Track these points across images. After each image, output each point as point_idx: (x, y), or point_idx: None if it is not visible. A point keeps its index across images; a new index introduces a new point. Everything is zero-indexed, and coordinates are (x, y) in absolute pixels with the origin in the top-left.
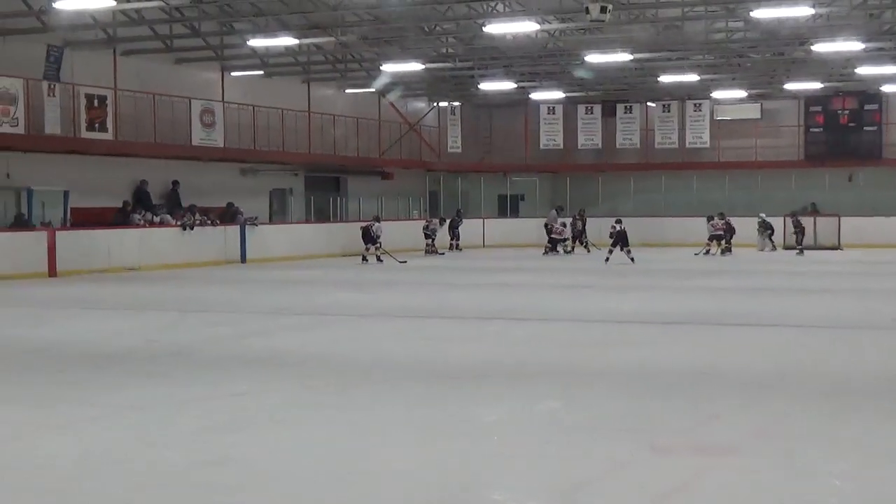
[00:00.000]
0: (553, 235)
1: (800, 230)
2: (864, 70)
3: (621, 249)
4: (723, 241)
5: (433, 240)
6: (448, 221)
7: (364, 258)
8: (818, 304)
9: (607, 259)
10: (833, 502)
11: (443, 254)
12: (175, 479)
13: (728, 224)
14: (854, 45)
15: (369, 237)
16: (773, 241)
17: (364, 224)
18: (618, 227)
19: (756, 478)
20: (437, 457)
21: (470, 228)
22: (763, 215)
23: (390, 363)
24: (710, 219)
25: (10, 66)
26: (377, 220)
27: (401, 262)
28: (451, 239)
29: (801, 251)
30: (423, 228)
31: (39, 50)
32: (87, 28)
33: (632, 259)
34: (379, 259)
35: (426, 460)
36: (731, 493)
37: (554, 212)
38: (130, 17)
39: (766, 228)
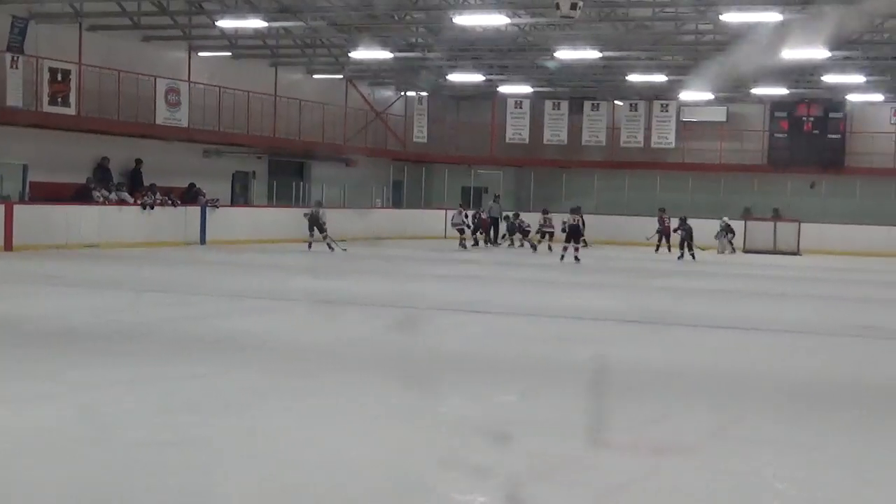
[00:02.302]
0: (545, 229)
1: (686, 233)
2: (829, 78)
3: (575, 243)
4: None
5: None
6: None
7: (310, 245)
8: (775, 308)
9: (562, 257)
10: None
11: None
12: (126, 459)
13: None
14: (821, 53)
15: (318, 224)
16: (732, 244)
17: (307, 210)
18: (571, 221)
19: (703, 478)
20: (391, 447)
21: (432, 220)
22: (726, 218)
23: (349, 351)
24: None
25: None
26: (320, 205)
27: (342, 249)
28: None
29: (682, 256)
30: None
31: (3, 21)
32: (53, 1)
33: (576, 258)
34: (330, 247)
35: (381, 450)
36: (678, 492)
37: (494, 203)
38: None
39: (727, 232)
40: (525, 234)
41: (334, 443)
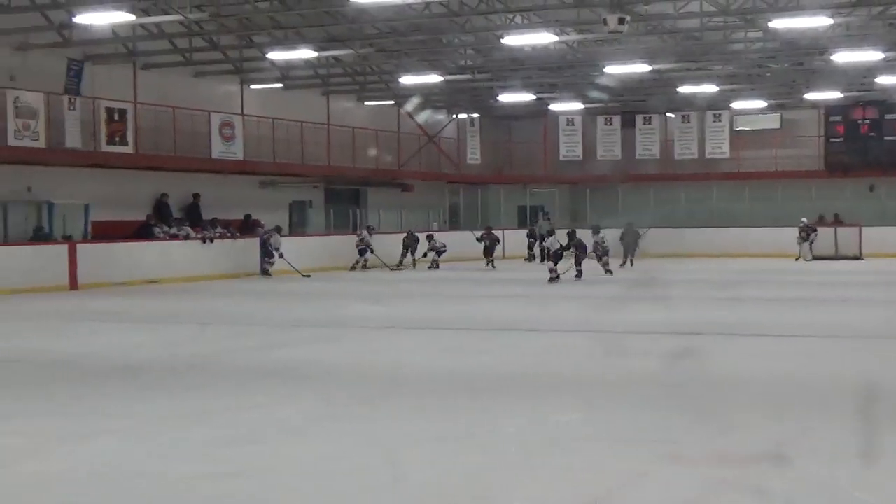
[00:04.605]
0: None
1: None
2: (884, 79)
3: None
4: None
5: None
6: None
7: (266, 272)
8: (839, 313)
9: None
10: None
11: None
12: (187, 492)
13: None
14: (874, 55)
15: (266, 250)
16: (811, 248)
17: (263, 235)
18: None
19: (773, 491)
20: (455, 469)
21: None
22: (804, 220)
23: (408, 375)
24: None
25: (30, 80)
26: (278, 230)
27: (305, 276)
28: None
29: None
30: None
31: (60, 64)
32: (108, 42)
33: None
34: (267, 273)
35: (445, 473)
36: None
37: (543, 221)
38: (150, 32)
39: (808, 233)
40: (440, 253)
41: (397, 468)
